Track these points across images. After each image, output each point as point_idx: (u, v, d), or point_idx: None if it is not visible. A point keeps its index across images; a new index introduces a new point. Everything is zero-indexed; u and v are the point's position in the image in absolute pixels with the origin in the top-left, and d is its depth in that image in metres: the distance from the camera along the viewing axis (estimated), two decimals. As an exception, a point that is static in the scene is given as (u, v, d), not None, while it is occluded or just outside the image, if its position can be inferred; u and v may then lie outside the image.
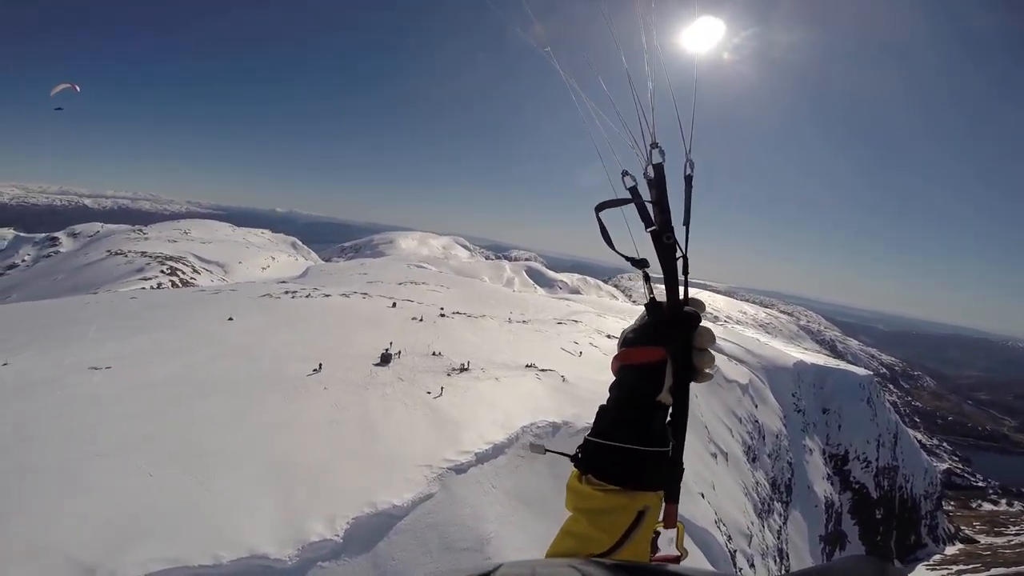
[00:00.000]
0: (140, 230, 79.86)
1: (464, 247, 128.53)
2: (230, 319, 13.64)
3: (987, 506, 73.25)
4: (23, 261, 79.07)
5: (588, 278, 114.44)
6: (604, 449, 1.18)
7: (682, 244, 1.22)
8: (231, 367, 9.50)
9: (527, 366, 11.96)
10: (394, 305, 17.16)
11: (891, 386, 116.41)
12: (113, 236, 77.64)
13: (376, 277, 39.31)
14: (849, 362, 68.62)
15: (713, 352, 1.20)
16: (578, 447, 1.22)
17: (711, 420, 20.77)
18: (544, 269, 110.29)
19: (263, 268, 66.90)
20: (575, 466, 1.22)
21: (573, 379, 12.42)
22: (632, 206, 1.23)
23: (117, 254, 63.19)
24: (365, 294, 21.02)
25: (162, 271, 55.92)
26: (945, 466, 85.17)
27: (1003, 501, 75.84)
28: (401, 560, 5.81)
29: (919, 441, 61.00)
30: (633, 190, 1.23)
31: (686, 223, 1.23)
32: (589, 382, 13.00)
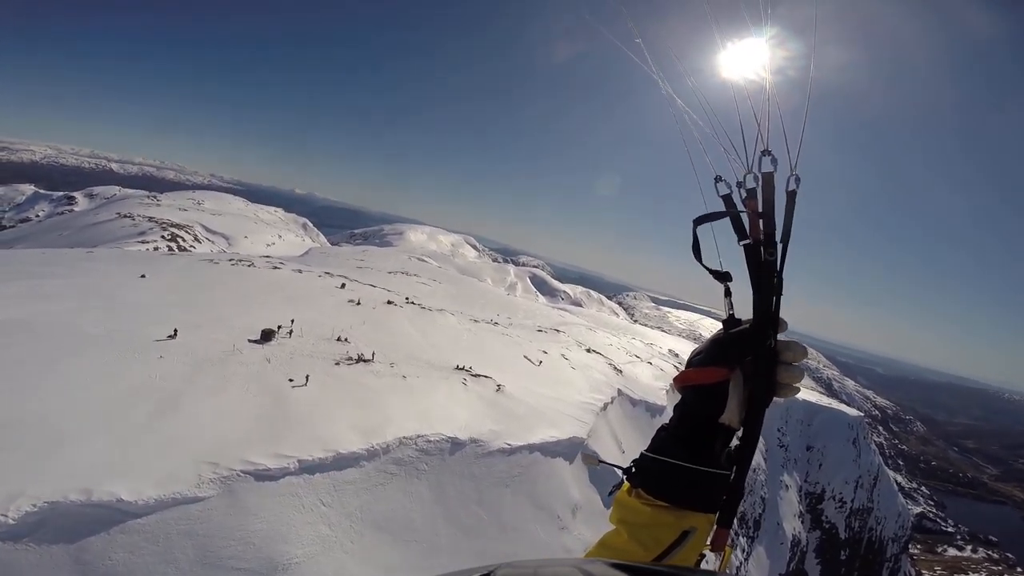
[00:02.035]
0: (154, 196, 79.44)
1: (473, 247, 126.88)
2: (142, 276, 11.93)
3: (952, 551, 72.48)
4: (37, 216, 79.28)
5: (592, 292, 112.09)
6: (657, 464, 1.17)
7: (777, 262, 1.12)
8: (80, 321, 7.77)
9: (457, 368, 10.04)
10: (343, 286, 15.34)
11: (880, 428, 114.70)
12: (127, 200, 77.11)
13: (371, 264, 37.63)
14: (843, 401, 67.07)
15: (801, 367, 1.12)
16: (633, 460, 1.24)
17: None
18: (548, 278, 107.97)
19: (268, 244, 65.84)
20: (627, 479, 1.24)
21: (514, 390, 10.48)
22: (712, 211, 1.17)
23: (125, 217, 62.34)
24: (327, 273, 19.25)
25: (162, 236, 55.06)
26: (919, 510, 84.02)
27: (968, 547, 75.12)
28: (122, 563, 4.30)
29: (898, 483, 59.39)
30: (727, 198, 1.16)
31: (784, 241, 1.11)
32: (533, 395, 11.06)
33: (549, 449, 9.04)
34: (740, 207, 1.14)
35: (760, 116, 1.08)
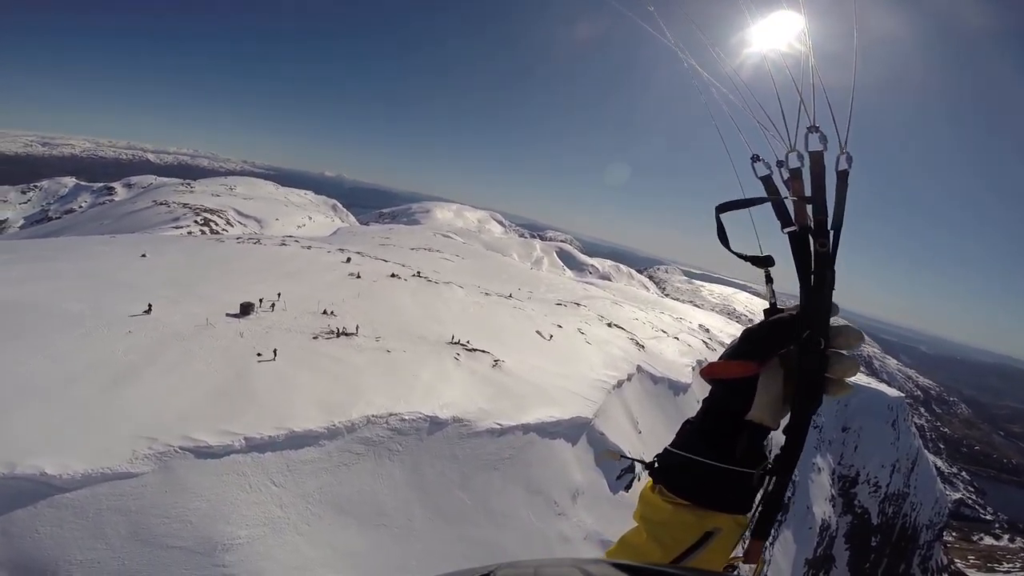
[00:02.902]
0: (188, 184, 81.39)
1: (499, 223, 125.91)
2: (143, 256, 11.78)
3: (988, 540, 70.16)
4: (79, 207, 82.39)
5: (621, 266, 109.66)
6: (678, 460, 1.11)
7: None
8: (64, 299, 7.60)
9: (452, 342, 9.49)
10: (348, 261, 14.98)
11: (922, 409, 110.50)
12: (163, 188, 79.18)
13: (395, 242, 37.54)
14: (883, 381, 64.48)
15: (855, 357, 0.98)
16: (657, 455, 1.18)
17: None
18: (576, 252, 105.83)
19: (299, 226, 66.75)
20: (649, 475, 1.18)
21: (515, 366, 9.88)
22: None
23: (161, 204, 63.99)
24: (340, 249, 18.96)
25: (195, 221, 56.40)
26: (958, 496, 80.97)
27: (1006, 537, 72.50)
28: (49, 536, 4.16)
29: (937, 468, 57.15)
30: (766, 180, 1.06)
31: (836, 228, 0.98)
32: (538, 372, 10.45)
33: (547, 430, 8.44)
34: (783, 189, 1.04)
35: (802, 86, 0.97)
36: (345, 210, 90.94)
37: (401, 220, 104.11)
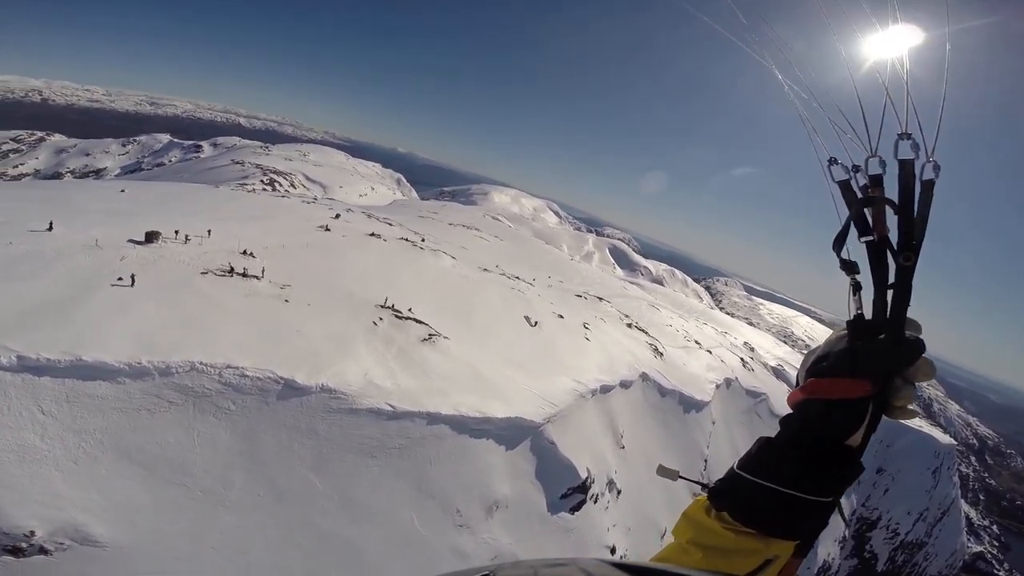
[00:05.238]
0: (266, 147, 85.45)
1: (555, 213, 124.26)
2: (122, 191, 11.53)
3: None
4: (169, 161, 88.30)
5: (676, 271, 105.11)
6: (756, 489, 0.99)
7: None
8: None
9: (382, 305, 8.40)
10: (337, 217, 14.28)
11: (973, 458, 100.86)
12: (243, 149, 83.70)
13: (440, 217, 37.38)
14: (938, 425, 58.99)
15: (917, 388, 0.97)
16: (720, 479, 1.07)
17: (717, 465, 16.03)
18: (631, 252, 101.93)
19: (360, 195, 68.78)
20: (708, 498, 1.07)
21: (458, 345, 8.73)
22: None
23: (236, 163, 67.48)
24: (349, 209, 18.38)
25: (261, 180, 58.94)
26: (979, 549, 74.34)
27: None
28: None
29: (968, 519, 51.96)
30: (845, 185, 0.96)
31: (919, 241, 0.92)
32: (492, 358, 9.26)
33: (469, 425, 7.16)
34: (859, 196, 0.96)
35: (891, 88, 0.90)
36: (409, 185, 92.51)
37: (459, 199, 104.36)
